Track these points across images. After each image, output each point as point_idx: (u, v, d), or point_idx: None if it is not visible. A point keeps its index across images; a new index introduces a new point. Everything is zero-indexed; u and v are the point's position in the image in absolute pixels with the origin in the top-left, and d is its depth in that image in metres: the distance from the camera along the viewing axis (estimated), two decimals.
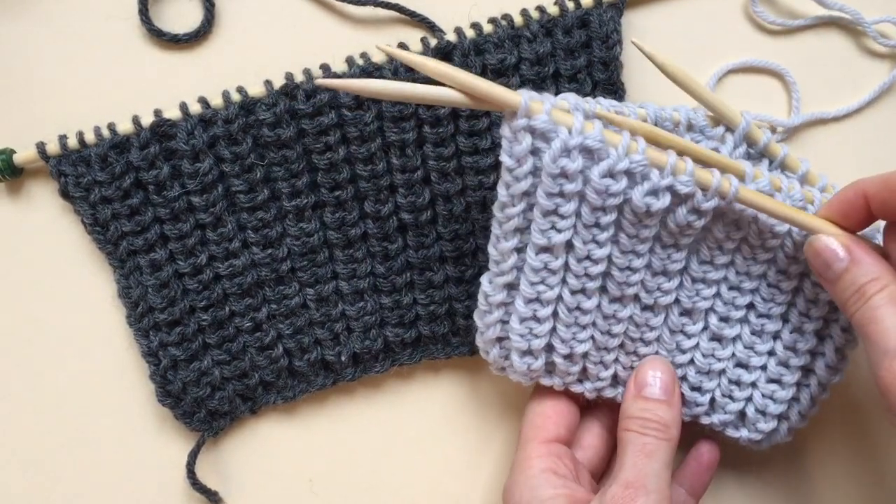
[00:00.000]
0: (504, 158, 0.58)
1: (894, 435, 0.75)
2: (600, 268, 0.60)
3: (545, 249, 0.60)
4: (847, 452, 0.75)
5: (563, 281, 0.61)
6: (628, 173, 0.56)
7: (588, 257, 0.60)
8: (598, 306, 0.63)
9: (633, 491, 0.57)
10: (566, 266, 0.61)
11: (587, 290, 0.61)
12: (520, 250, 0.61)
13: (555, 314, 0.63)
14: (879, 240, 0.63)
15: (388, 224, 0.70)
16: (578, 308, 0.62)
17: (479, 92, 0.56)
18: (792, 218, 0.60)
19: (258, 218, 0.69)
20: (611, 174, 0.56)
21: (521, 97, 0.55)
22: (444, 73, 0.56)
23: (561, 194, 0.57)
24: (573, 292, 0.62)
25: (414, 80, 0.59)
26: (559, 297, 0.62)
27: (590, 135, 0.56)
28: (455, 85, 0.57)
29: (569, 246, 0.60)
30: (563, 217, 0.58)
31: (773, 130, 0.73)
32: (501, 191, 0.59)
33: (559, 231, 0.59)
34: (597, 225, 0.59)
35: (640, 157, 0.56)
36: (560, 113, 0.57)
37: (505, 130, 0.57)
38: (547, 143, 0.56)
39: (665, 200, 0.57)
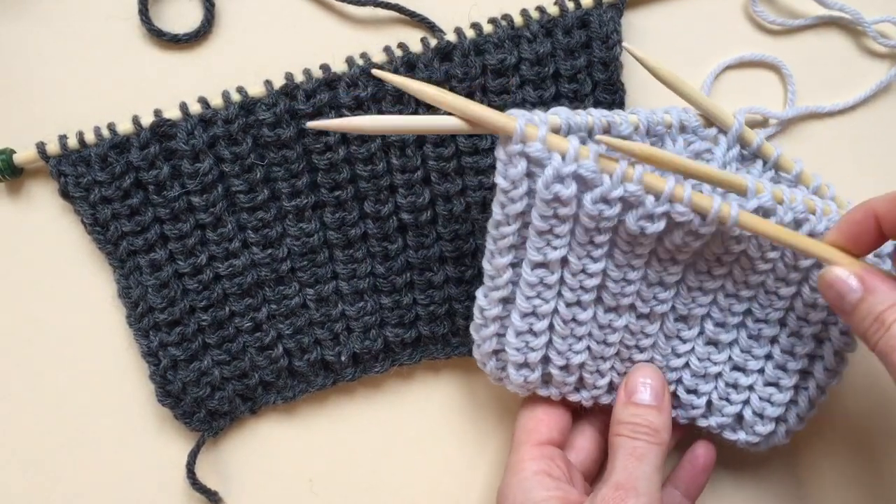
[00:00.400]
0: (499, 180, 0.57)
1: (891, 437, 0.75)
2: (595, 281, 0.61)
3: (540, 265, 0.60)
4: (844, 454, 0.75)
5: (559, 294, 0.62)
6: (623, 200, 0.56)
7: (583, 271, 0.60)
8: (594, 317, 0.63)
9: (624, 492, 0.58)
10: (561, 280, 0.61)
11: (583, 302, 0.62)
12: (515, 265, 0.61)
13: (551, 327, 0.63)
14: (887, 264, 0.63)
15: (388, 224, 0.70)
16: (574, 320, 0.62)
17: (475, 117, 0.56)
18: (796, 245, 0.58)
19: (258, 218, 0.69)
20: (605, 200, 0.56)
21: (516, 122, 0.55)
22: (441, 100, 0.57)
23: (555, 217, 0.58)
24: (569, 305, 0.62)
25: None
26: (555, 311, 0.62)
27: (583, 164, 0.55)
28: (452, 111, 0.57)
29: (564, 261, 0.60)
30: (558, 236, 0.59)
31: (766, 122, 0.73)
32: (496, 209, 0.59)
33: (554, 248, 0.59)
34: (591, 242, 0.59)
35: (636, 188, 0.56)
36: (556, 138, 0.56)
37: (500, 153, 0.57)
38: (541, 168, 0.56)
39: (660, 225, 0.57)
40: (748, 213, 0.57)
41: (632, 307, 0.63)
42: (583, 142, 0.58)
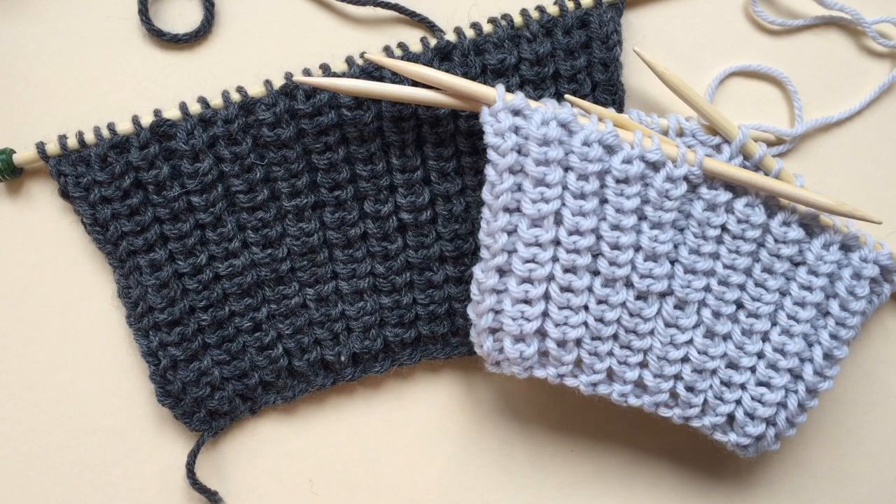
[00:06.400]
0: (489, 138, 0.62)
1: (888, 441, 0.75)
2: (588, 241, 0.63)
3: (536, 222, 0.62)
4: (841, 458, 0.75)
5: (554, 258, 0.63)
6: (604, 144, 0.62)
7: (577, 230, 0.63)
8: (591, 289, 0.64)
9: None
10: (556, 242, 0.63)
11: (577, 267, 0.63)
12: (510, 233, 0.63)
13: (547, 296, 0.64)
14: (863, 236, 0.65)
15: (388, 224, 0.70)
16: (570, 289, 0.64)
17: (461, 89, 0.63)
18: (763, 185, 0.63)
19: (258, 218, 0.69)
20: (587, 143, 0.62)
21: (496, 89, 0.63)
22: (422, 75, 0.63)
23: (546, 162, 0.62)
24: (564, 270, 0.63)
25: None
26: (550, 277, 0.63)
27: (561, 112, 0.63)
28: (440, 85, 0.63)
29: (558, 219, 0.63)
30: (549, 186, 0.62)
31: (781, 142, 0.73)
32: (489, 171, 0.63)
33: (547, 201, 0.62)
34: (582, 195, 0.62)
35: (610, 129, 0.63)
36: (533, 101, 0.64)
37: (485, 115, 0.62)
38: (526, 120, 0.62)
39: (639, 167, 0.62)
40: (712, 160, 0.64)
41: (629, 283, 0.64)
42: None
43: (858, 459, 0.75)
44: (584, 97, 0.68)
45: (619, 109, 0.69)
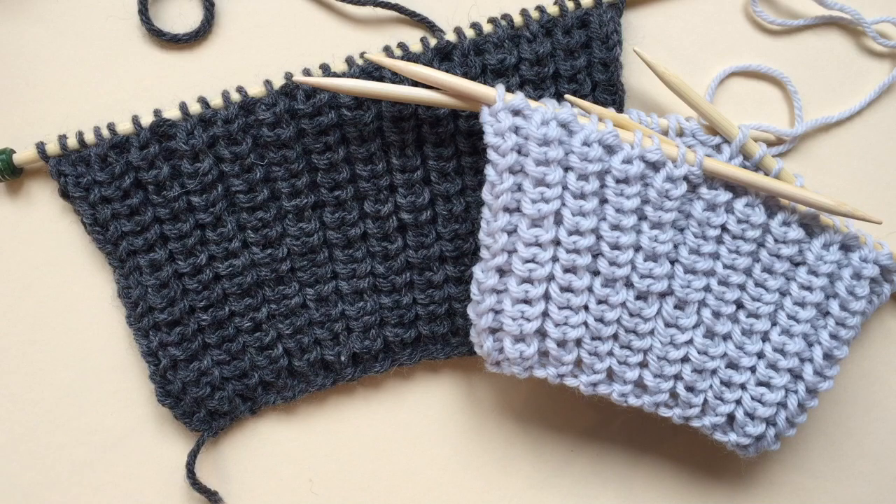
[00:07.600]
0: (489, 138, 0.62)
1: (888, 440, 0.75)
2: (588, 241, 0.63)
3: (536, 222, 0.62)
4: (842, 457, 0.75)
5: (554, 258, 0.63)
6: (604, 144, 0.62)
7: (577, 230, 0.63)
8: (591, 289, 0.64)
9: None
10: (556, 242, 0.63)
11: (577, 267, 0.63)
12: (510, 233, 0.63)
13: (547, 296, 0.64)
14: (863, 234, 0.65)
15: (388, 224, 0.70)
16: (570, 289, 0.64)
17: (461, 89, 0.63)
18: (763, 185, 0.63)
19: (258, 218, 0.69)
20: (587, 143, 0.62)
21: (496, 89, 0.63)
22: (422, 75, 0.63)
23: (546, 162, 0.62)
24: (564, 270, 0.63)
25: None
26: (550, 277, 0.63)
27: (561, 112, 0.63)
28: (440, 85, 0.63)
29: (558, 219, 0.63)
30: (549, 186, 0.62)
31: (781, 142, 0.73)
32: (489, 171, 0.63)
33: (547, 201, 0.62)
34: (582, 195, 0.63)
35: (610, 129, 0.63)
36: (534, 102, 0.64)
37: (484, 115, 0.62)
38: (526, 120, 0.62)
39: (639, 167, 0.62)
40: (713, 159, 0.64)
41: (629, 283, 0.64)
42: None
43: (858, 459, 0.75)
44: (584, 97, 0.68)
45: (619, 109, 0.69)
